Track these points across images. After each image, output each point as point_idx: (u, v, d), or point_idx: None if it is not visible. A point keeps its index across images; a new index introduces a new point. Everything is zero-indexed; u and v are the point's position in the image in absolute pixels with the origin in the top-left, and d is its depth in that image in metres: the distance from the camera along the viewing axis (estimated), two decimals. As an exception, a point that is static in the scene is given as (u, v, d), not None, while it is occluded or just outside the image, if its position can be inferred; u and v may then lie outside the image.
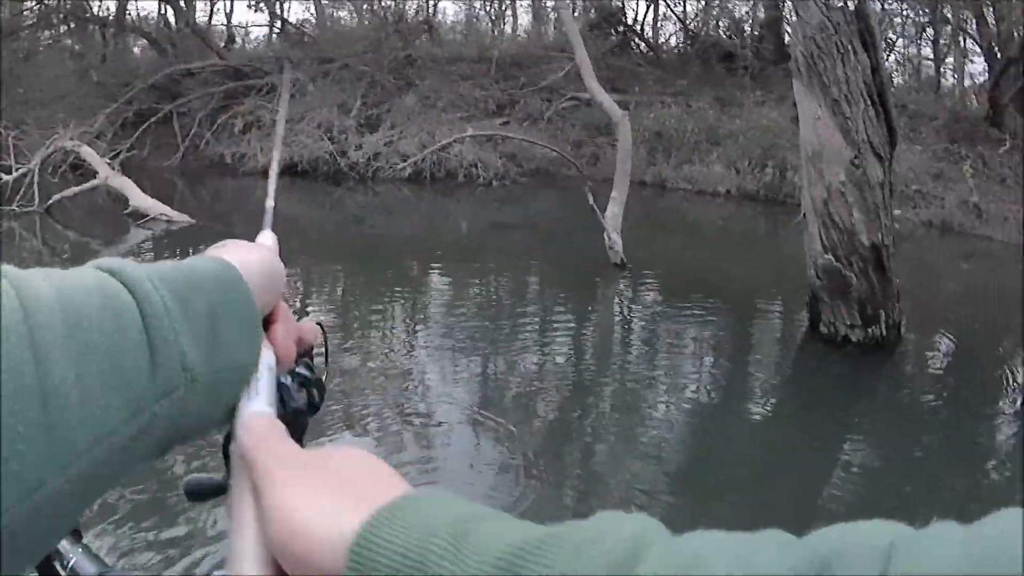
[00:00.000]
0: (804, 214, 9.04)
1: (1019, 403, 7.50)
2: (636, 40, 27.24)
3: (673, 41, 29.54)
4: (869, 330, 8.65)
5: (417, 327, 8.99)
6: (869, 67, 8.42)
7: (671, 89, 22.79)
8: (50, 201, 13.68)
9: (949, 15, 26.55)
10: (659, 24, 29.95)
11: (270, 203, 1.28)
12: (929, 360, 9.21)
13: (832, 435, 7.03)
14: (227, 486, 0.96)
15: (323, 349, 1.11)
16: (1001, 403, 7.95)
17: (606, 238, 11.14)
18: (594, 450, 6.22)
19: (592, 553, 0.47)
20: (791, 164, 18.65)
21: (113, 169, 14.15)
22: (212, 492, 1.01)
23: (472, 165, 17.77)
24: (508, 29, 28.61)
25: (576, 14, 26.11)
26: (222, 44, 24.37)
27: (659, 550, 0.46)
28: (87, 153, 14.72)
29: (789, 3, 25.09)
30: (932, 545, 0.41)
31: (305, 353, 1.05)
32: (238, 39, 25.75)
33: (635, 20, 28.43)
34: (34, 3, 24.47)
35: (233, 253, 0.85)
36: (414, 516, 0.55)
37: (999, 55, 24.83)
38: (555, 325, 9.35)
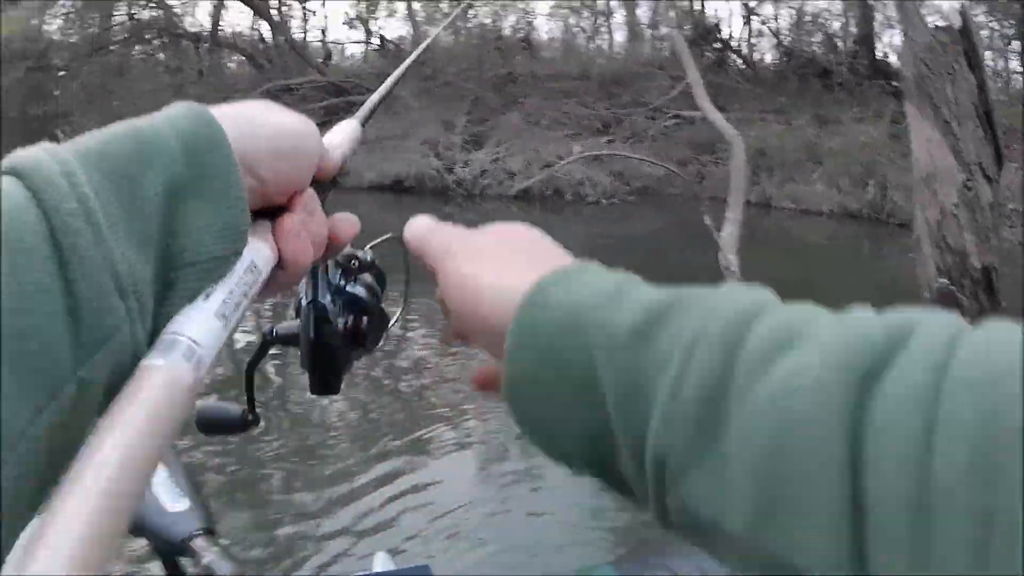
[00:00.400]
0: (917, 236, 8.63)
1: None
2: (733, 57, 27.50)
3: (768, 58, 29.39)
4: None
5: None
6: (976, 86, 8.19)
7: (770, 106, 22.71)
8: None
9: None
10: (753, 40, 29.61)
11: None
12: None
13: None
14: (248, 421, 1.01)
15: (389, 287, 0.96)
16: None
17: (721, 259, 10.94)
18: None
19: (726, 306, 0.55)
20: (892, 182, 18.86)
21: None
22: (229, 426, 0.99)
23: (580, 183, 17.90)
24: (603, 46, 28.44)
25: (664, 30, 26.95)
26: (319, 60, 24.47)
27: (777, 309, 0.55)
28: None
29: (879, 19, 24.54)
30: (996, 331, 0.47)
31: (351, 265, 0.92)
32: (335, 56, 25.83)
33: (730, 36, 28.58)
34: (125, 18, 24.53)
35: (239, 109, 0.68)
36: (579, 280, 0.62)
37: None
38: None
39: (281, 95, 21.04)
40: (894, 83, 25.11)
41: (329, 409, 7.00)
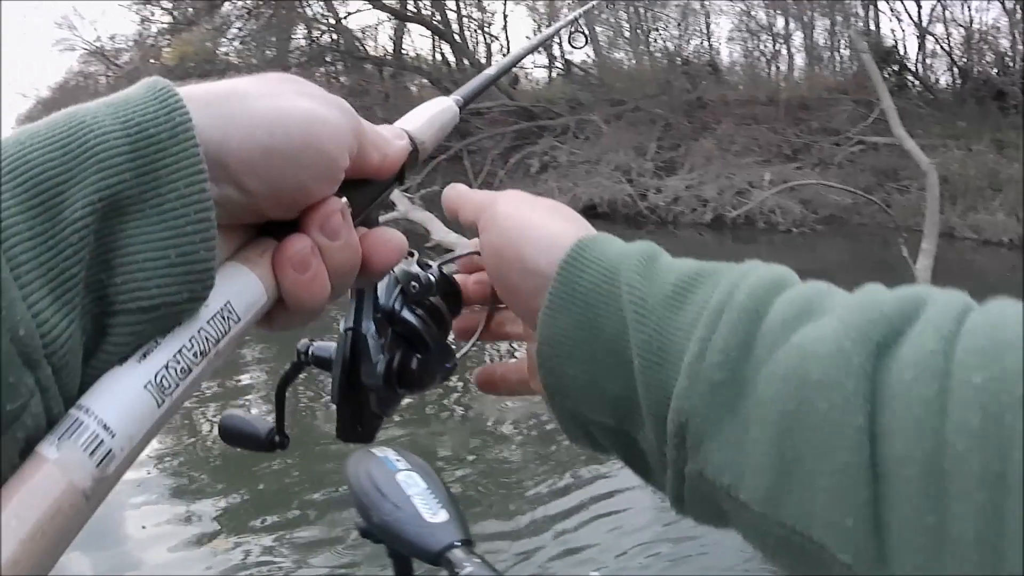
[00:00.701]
0: None
1: None
2: (911, 79, 27.21)
3: (943, 80, 28.90)
4: None
5: None
6: None
7: (949, 131, 22.20)
8: None
9: None
10: (928, 61, 29.16)
11: None
12: None
13: None
14: (275, 442, 0.90)
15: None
16: None
17: None
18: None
19: (751, 278, 0.60)
20: None
21: (413, 203, 14.59)
22: (253, 443, 0.91)
23: (771, 211, 17.88)
24: (783, 69, 28.54)
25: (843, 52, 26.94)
26: (507, 84, 24.78)
27: (797, 284, 0.61)
28: None
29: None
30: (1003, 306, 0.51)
31: (411, 288, 0.78)
32: (522, 80, 26.06)
33: (905, 57, 28.31)
34: (303, 42, 25.16)
35: (226, 87, 0.55)
36: (615, 245, 0.68)
37: None
38: None
39: (471, 118, 21.77)
40: None
41: (504, 417, 7.33)
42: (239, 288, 0.53)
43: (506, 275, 0.71)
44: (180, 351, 0.48)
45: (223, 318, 0.51)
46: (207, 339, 0.50)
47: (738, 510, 0.55)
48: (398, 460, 1.64)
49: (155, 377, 0.46)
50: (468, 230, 0.79)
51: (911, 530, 0.46)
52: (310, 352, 0.91)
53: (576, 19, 1.41)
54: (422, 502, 1.50)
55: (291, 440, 0.98)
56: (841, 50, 28.71)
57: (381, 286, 0.76)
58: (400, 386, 0.75)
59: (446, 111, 0.81)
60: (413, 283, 0.77)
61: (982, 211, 18.50)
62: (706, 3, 27.12)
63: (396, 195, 15.25)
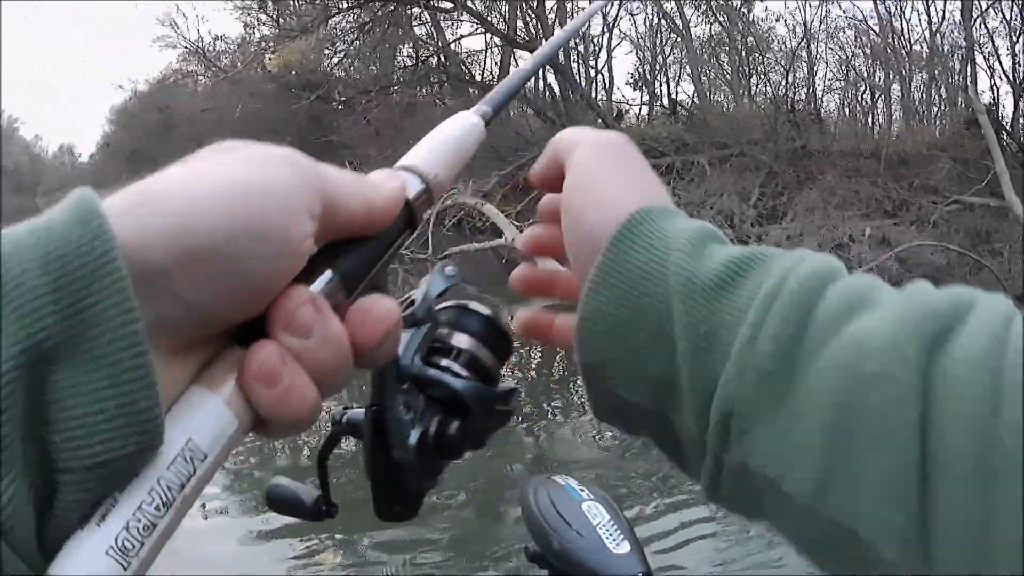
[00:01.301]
0: None
1: None
2: (1007, 139, 26.66)
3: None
4: None
5: None
6: None
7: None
8: (447, 252, 14.44)
9: None
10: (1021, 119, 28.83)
11: None
12: None
13: None
14: (322, 511, 0.83)
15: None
16: None
17: None
18: None
19: (802, 267, 0.58)
20: None
21: (519, 231, 14.56)
22: (299, 512, 0.84)
23: (869, 269, 16.74)
24: (882, 122, 28.92)
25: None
26: (613, 119, 25.09)
27: (848, 275, 0.59)
28: (490, 211, 15.90)
29: None
30: None
31: (436, 346, 0.71)
32: (626, 116, 26.53)
33: (1001, 116, 28.10)
34: (408, 60, 25.65)
35: (149, 183, 0.50)
36: (672, 221, 0.64)
37: None
38: None
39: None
40: None
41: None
42: (202, 419, 0.48)
43: (568, 238, 0.69)
44: (140, 507, 0.45)
45: (186, 460, 0.47)
46: (169, 488, 0.46)
47: (781, 503, 0.55)
48: (582, 490, 1.68)
49: (115, 540, 0.44)
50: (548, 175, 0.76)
51: (959, 528, 0.47)
52: (344, 421, 0.80)
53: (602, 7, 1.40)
54: (606, 532, 1.53)
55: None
56: (940, 105, 28.95)
57: (401, 346, 0.66)
58: (441, 456, 0.68)
59: (466, 131, 0.74)
60: (436, 342, 0.71)
61: None
62: (810, 48, 27.55)
63: (501, 220, 14.94)
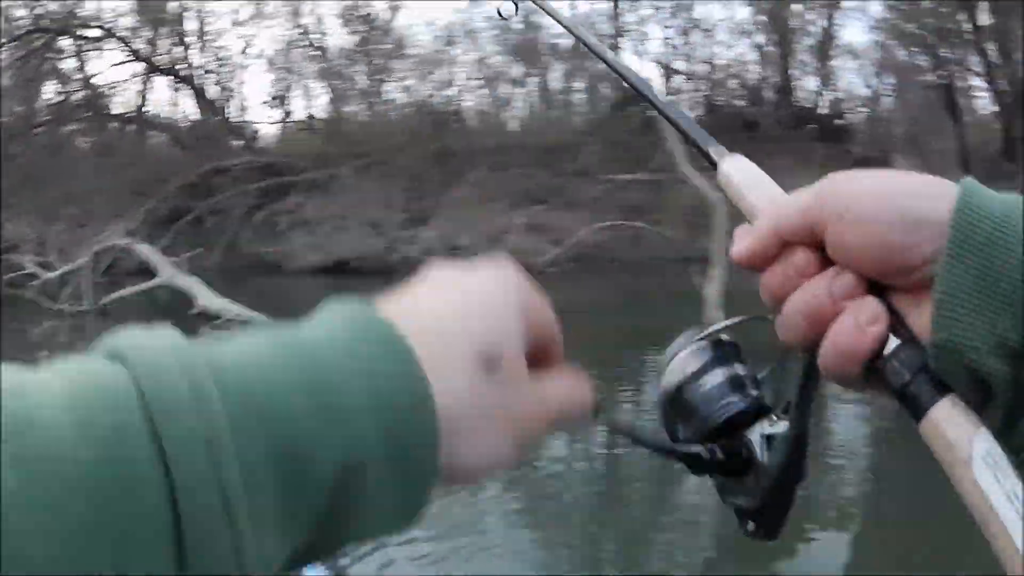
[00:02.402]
0: None
1: None
2: (659, 116, 27.74)
3: (692, 114, 29.76)
4: None
5: None
6: (955, 135, 9.23)
7: (700, 163, 23.27)
8: (105, 300, 14.14)
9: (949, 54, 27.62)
10: (675, 97, 30.38)
11: None
12: None
13: None
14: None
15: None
16: None
17: (706, 316, 11.92)
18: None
19: None
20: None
21: (176, 268, 14.42)
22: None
23: (524, 253, 17.90)
24: (525, 114, 30.28)
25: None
26: (249, 138, 24.96)
27: None
28: (145, 251, 15.22)
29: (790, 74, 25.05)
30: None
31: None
32: (264, 135, 26.61)
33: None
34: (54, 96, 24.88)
35: (417, 300, 0.58)
36: (990, 191, 0.65)
37: (1007, 90, 26.33)
38: None
39: (213, 176, 21.75)
40: (812, 126, 26.62)
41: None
42: None
43: (886, 237, 0.65)
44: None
45: None
46: None
47: None
48: None
49: None
50: (796, 237, 0.72)
51: None
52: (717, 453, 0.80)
53: None
54: None
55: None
56: (590, 93, 30.30)
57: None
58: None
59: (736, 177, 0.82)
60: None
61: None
62: (449, 51, 28.09)
63: (158, 259, 14.93)
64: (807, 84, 32.71)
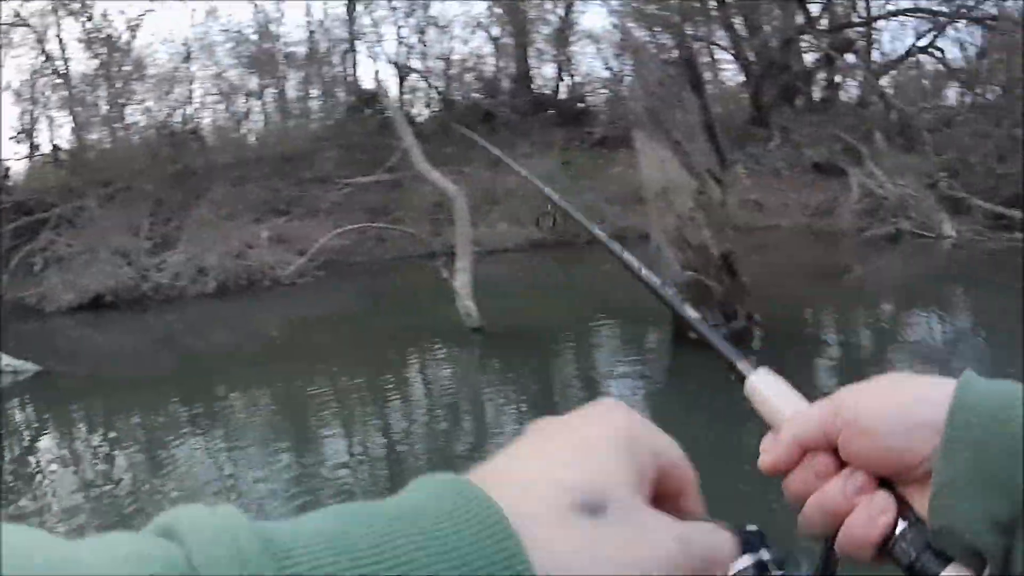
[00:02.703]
0: (656, 244, 10.79)
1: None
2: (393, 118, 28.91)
3: (427, 112, 32.50)
4: (732, 324, 10.58)
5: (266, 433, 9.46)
6: (700, 107, 10.56)
7: (439, 160, 24.04)
8: None
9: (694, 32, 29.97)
10: (411, 96, 32.99)
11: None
12: (782, 332, 11.63)
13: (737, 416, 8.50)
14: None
15: None
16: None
17: (461, 306, 12.54)
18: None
19: None
20: (572, 205, 20.77)
21: None
22: None
23: (271, 267, 18.99)
24: (263, 125, 30.99)
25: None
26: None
27: None
28: None
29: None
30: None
31: None
32: (11, 172, 26.00)
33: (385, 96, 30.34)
34: None
35: (511, 459, 0.58)
36: (983, 383, 0.78)
37: (755, 62, 29.36)
38: (457, 404, 10.43)
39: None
40: (551, 112, 28.25)
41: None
42: None
43: (888, 442, 0.78)
44: None
45: None
46: None
47: None
48: None
49: None
50: (811, 446, 0.84)
51: None
52: None
53: None
54: None
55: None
56: (327, 100, 31.26)
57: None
58: None
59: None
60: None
61: (483, 226, 20.50)
62: (187, 68, 28.51)
63: None
64: (546, 72, 34.50)
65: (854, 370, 10.16)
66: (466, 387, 11.14)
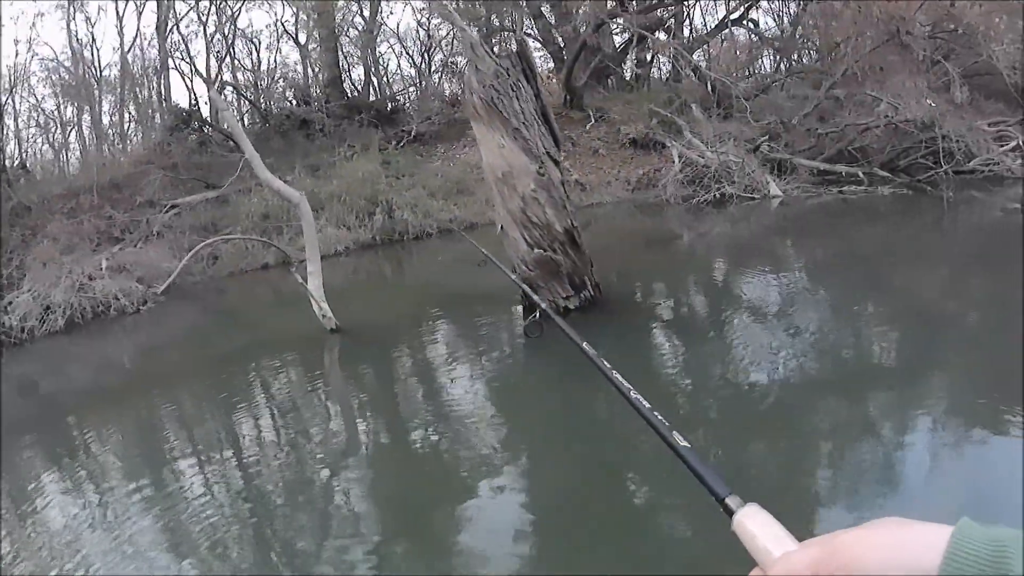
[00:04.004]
0: (501, 227, 11.64)
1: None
2: (212, 134, 30.27)
3: (246, 122, 33.07)
4: (581, 295, 11.55)
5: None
6: (534, 95, 11.21)
7: (277, 168, 25.19)
8: None
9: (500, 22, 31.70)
10: (217, 112, 32.47)
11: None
12: (626, 301, 12.67)
13: (588, 374, 9.14)
14: None
15: None
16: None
17: (316, 309, 12.95)
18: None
19: None
20: (396, 203, 22.74)
21: None
22: None
23: (115, 297, 19.19)
24: (85, 153, 30.86)
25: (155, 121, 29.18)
26: None
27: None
28: None
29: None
30: None
31: None
32: None
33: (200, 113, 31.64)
34: None
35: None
36: (977, 530, 0.81)
37: (565, 48, 30.86)
38: (321, 409, 10.37)
39: None
40: (364, 116, 29.28)
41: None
42: None
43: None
44: None
45: None
46: None
47: None
48: None
49: None
50: None
51: None
52: None
53: None
54: None
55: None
56: (145, 122, 31.82)
57: None
58: None
59: None
60: None
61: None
62: (14, 100, 28.79)
63: None
64: (357, 75, 35.71)
65: (693, 326, 11.48)
66: (333, 387, 11.26)
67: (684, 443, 1.37)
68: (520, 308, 12.30)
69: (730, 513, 1.09)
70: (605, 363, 1.98)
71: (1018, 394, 7.00)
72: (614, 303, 12.13)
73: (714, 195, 22.87)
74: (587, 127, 29.14)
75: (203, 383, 12.46)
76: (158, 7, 30.91)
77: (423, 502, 6.92)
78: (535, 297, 3.38)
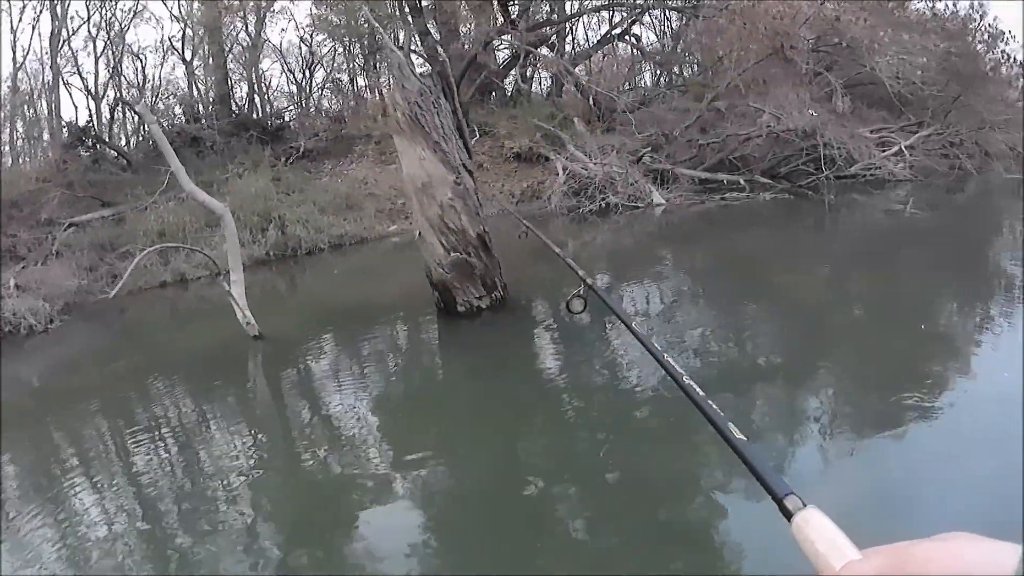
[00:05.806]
0: (419, 233, 12.47)
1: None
2: (108, 150, 30.75)
3: (134, 141, 33.62)
4: (492, 295, 12.70)
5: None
6: (451, 110, 12.31)
7: (150, 188, 26.10)
8: None
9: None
10: (116, 129, 34.01)
11: None
12: (525, 305, 13.63)
13: (507, 367, 10.17)
14: None
15: None
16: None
17: (240, 316, 13.22)
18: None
19: None
20: (288, 219, 23.35)
21: None
22: None
23: (17, 315, 18.77)
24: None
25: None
26: None
27: None
28: None
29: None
30: None
31: None
32: None
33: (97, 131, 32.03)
34: None
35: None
36: None
37: (449, 64, 31.27)
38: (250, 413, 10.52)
39: None
40: (254, 133, 30.13)
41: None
42: None
43: None
44: None
45: None
46: None
47: None
48: None
49: None
50: None
51: None
52: None
53: None
54: None
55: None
56: (39, 138, 32.32)
57: None
58: None
59: None
60: None
61: (207, 248, 20.63)
62: None
63: None
64: (243, 91, 36.22)
65: (585, 327, 12.13)
66: (258, 393, 11.43)
67: (740, 436, 1.35)
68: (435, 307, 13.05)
69: (788, 515, 1.08)
70: (655, 345, 1.98)
71: (900, 387, 7.84)
72: (516, 305, 13.30)
73: (599, 205, 24.27)
74: (472, 142, 29.76)
75: (120, 396, 12.25)
76: (51, 20, 31.56)
77: (331, 508, 7.09)
78: (580, 272, 3.43)
